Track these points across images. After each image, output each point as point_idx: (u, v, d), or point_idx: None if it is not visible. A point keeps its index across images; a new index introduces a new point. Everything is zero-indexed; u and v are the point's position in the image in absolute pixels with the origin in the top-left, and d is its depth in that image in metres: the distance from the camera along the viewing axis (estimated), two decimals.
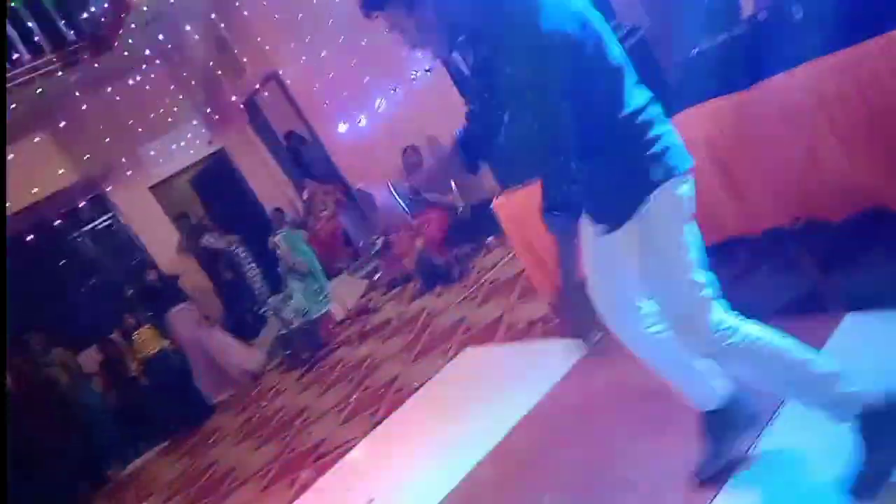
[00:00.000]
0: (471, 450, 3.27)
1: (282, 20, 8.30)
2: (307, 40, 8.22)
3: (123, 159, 9.06)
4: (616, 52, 1.94)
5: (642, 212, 1.95)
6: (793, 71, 3.02)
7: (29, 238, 7.68)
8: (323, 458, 4.49)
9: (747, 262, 3.51)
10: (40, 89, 7.86)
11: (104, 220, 9.50)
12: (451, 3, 1.95)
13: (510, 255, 6.07)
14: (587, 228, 2.11)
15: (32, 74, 7.73)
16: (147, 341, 7.31)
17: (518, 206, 4.44)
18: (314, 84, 8.41)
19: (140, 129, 9.11)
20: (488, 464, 3.13)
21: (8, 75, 7.40)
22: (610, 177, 1.98)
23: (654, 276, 2.00)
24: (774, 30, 3.08)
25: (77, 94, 8.19)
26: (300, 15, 8.11)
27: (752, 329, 1.95)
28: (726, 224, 3.66)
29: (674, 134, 2.04)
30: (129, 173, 8.98)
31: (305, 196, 9.46)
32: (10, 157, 7.88)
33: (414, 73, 7.21)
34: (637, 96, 1.97)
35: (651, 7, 4.65)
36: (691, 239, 1.96)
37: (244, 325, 9.38)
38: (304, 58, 8.43)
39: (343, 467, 4.15)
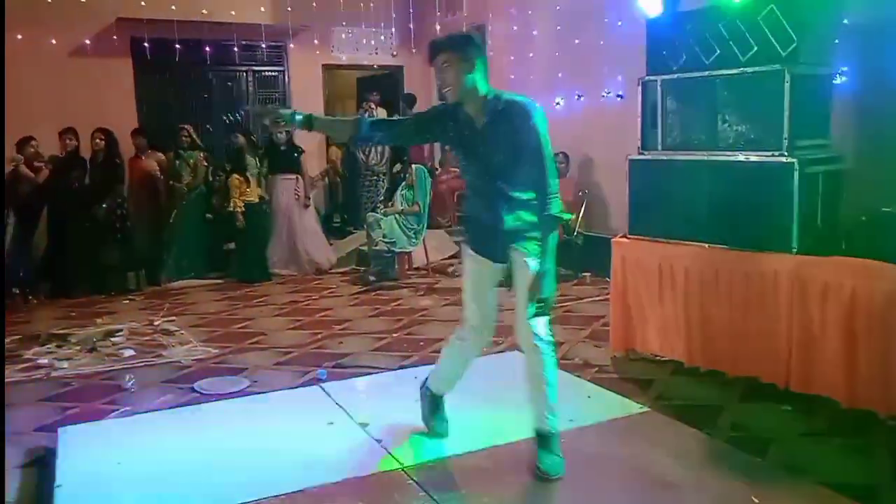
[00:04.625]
0: (458, 440, 3.29)
1: None
2: (528, 13, 8.29)
3: (315, 29, 9.40)
4: None
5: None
6: None
7: (207, 49, 8.13)
8: (342, 368, 4.62)
9: (825, 426, 3.39)
10: None
11: (273, 70, 9.90)
12: None
13: (599, 297, 6.03)
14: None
15: None
16: (254, 189, 7.64)
17: (634, 252, 4.40)
18: (511, 54, 8.48)
19: (343, 10, 9.42)
20: (467, 459, 3.13)
21: None
22: None
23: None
24: None
25: None
26: None
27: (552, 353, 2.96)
28: (825, 382, 3.51)
29: None
30: (315, 42, 9.30)
31: (448, 148, 9.61)
32: None
33: (606, 91, 7.16)
34: None
35: (859, 148, 4.45)
36: None
37: (334, 225, 9.73)
38: (515, 27, 8.52)
39: (353, 385, 4.26)
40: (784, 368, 3.67)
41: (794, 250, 3.65)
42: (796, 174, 3.63)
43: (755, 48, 3.87)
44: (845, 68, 4.60)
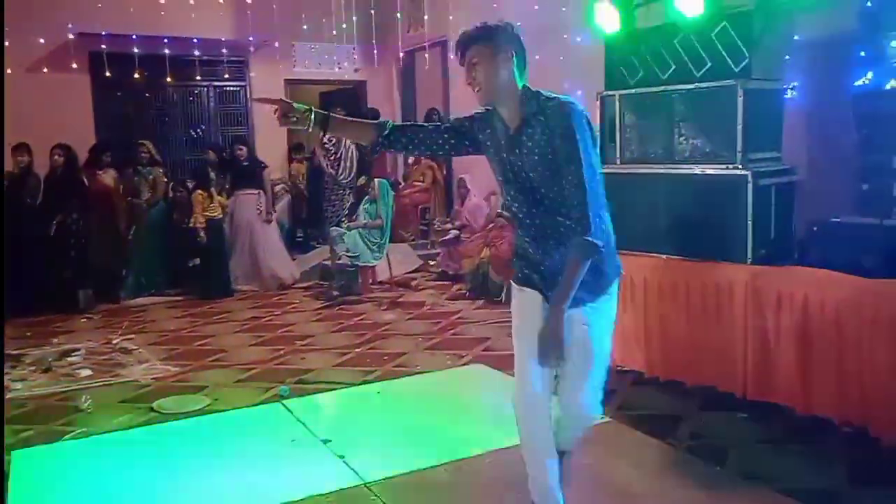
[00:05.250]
0: (421, 454, 3.29)
1: None
2: None
3: (277, 44, 9.38)
4: None
5: None
6: None
7: (167, 64, 8.08)
8: (305, 384, 4.57)
9: (782, 433, 3.45)
10: None
11: (234, 85, 9.82)
12: None
13: None
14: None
15: None
16: (216, 206, 7.54)
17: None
18: None
19: (305, 27, 9.41)
20: (430, 473, 3.13)
21: None
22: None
23: None
24: None
25: None
26: (495, 4, 8.26)
27: None
28: (781, 391, 3.58)
29: None
30: (277, 57, 9.29)
31: (411, 160, 9.63)
32: None
33: None
34: None
35: (813, 161, 4.57)
36: None
37: (298, 239, 9.65)
38: None
39: (315, 401, 4.22)
40: (741, 377, 3.73)
41: (749, 261, 3.73)
42: (750, 186, 3.72)
43: (709, 64, 3.96)
44: (796, 83, 4.74)
